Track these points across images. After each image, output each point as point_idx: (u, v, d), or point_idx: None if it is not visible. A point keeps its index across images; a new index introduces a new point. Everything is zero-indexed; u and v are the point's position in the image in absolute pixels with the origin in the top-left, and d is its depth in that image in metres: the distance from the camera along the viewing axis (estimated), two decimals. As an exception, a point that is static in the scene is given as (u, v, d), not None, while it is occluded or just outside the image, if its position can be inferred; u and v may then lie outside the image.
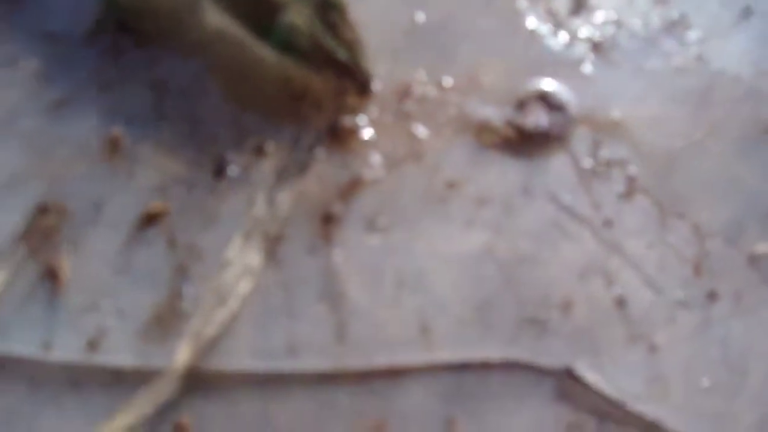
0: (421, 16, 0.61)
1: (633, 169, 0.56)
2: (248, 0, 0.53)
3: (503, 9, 0.62)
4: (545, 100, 0.58)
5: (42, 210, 0.52)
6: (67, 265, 0.50)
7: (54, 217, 0.52)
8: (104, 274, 0.50)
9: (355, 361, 0.48)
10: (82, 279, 0.50)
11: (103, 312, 0.49)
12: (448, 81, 0.58)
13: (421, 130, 0.56)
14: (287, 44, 0.53)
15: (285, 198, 0.51)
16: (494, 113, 0.57)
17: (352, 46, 0.54)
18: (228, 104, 0.56)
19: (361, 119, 0.55)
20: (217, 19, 0.58)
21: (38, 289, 0.50)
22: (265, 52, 0.56)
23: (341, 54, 0.53)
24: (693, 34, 0.62)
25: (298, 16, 0.53)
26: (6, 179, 0.54)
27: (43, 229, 0.51)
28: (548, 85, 0.58)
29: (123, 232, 0.51)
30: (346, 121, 0.55)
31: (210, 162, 0.53)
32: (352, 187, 0.53)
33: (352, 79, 0.54)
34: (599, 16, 0.62)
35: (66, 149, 0.55)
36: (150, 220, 0.51)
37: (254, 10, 0.53)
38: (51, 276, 0.50)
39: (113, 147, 0.54)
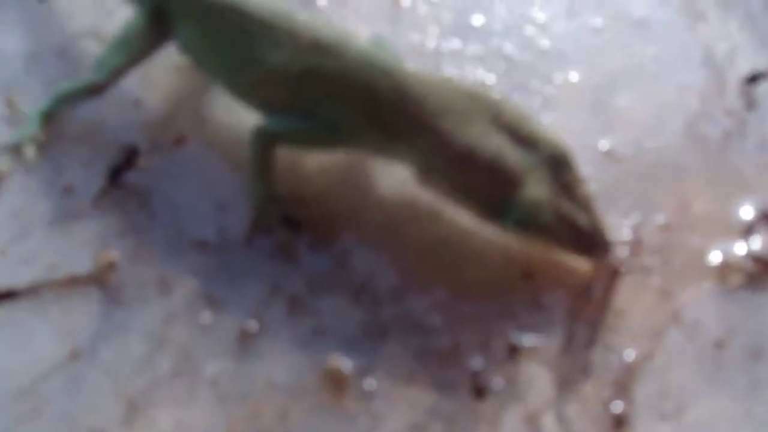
0: (605, 144, 0.55)
1: None
2: (475, 174, 0.44)
3: (683, 122, 0.57)
4: (768, 219, 0.54)
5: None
6: None
7: (297, 493, 0.41)
8: None
9: None
10: None
11: None
12: (660, 219, 0.52)
13: (666, 284, 0.50)
14: (529, 222, 0.44)
15: (573, 409, 0.43)
16: (726, 248, 0.52)
17: (588, 206, 0.46)
18: (451, 300, 0.47)
19: (607, 288, 0.48)
20: (402, 193, 0.49)
21: None
22: (470, 225, 0.48)
23: (581, 218, 0.46)
24: None
25: (537, 186, 0.44)
26: (212, 450, 0.42)
27: None
28: (764, 199, 0.53)
29: (390, 494, 0.41)
30: (596, 292, 0.47)
31: (464, 380, 0.44)
32: (627, 377, 0.45)
33: (593, 243, 0.46)
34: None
35: (276, 396, 0.44)
36: (419, 471, 0.42)
37: (482, 186, 0.44)
38: None
39: (337, 383, 0.44)
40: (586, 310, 0.46)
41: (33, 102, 0.55)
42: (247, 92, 0.48)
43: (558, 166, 0.45)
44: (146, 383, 0.44)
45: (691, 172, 0.54)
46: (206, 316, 0.46)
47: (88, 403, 0.44)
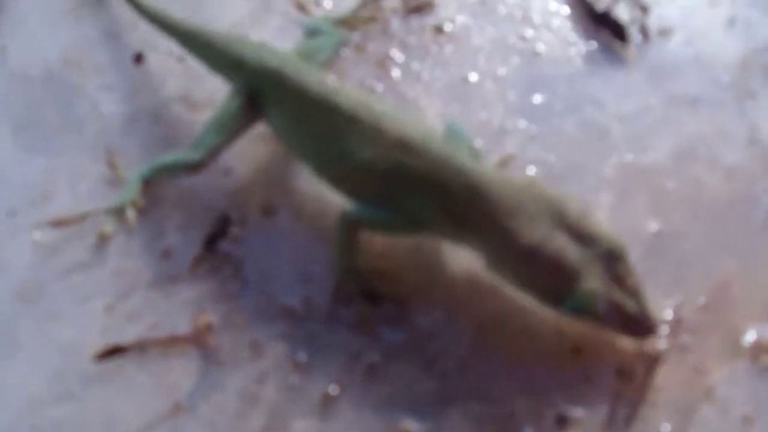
0: (654, 226, 0.60)
1: None
2: (537, 269, 0.50)
3: (728, 203, 0.61)
4: (801, 302, 0.58)
5: None
6: None
7: None
8: None
9: None
10: None
11: None
12: (700, 299, 0.57)
13: (701, 362, 0.55)
14: (584, 310, 0.50)
15: (617, 483, 0.49)
16: (761, 328, 0.56)
17: (637, 294, 0.51)
18: (513, 371, 0.53)
19: (649, 369, 0.53)
20: (470, 270, 0.55)
21: None
22: (527, 301, 0.53)
23: (631, 306, 0.51)
24: None
25: (593, 279, 0.49)
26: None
27: None
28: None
29: None
30: (638, 372, 0.53)
31: (518, 447, 0.51)
32: (662, 448, 0.51)
33: (640, 326, 0.51)
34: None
35: (354, 454, 0.50)
36: None
37: (543, 279, 0.50)
38: None
39: (410, 447, 0.51)
40: (629, 389, 0.52)
41: (131, 163, 0.61)
42: (334, 181, 0.54)
43: (613, 259, 0.51)
44: (241, 437, 0.51)
45: (733, 253, 0.59)
46: (294, 379, 0.52)
47: (189, 452, 0.51)
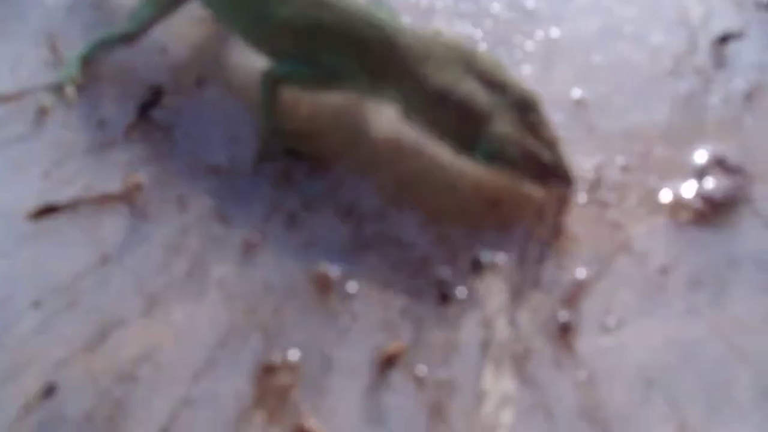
0: (577, 93, 0.61)
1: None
2: (449, 112, 0.51)
3: (650, 75, 0.62)
4: (721, 164, 0.59)
5: (269, 369, 0.49)
6: (316, 424, 0.48)
7: (285, 375, 0.49)
8: (358, 428, 0.48)
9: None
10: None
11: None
12: (621, 160, 0.58)
13: (620, 218, 0.56)
14: (496, 154, 0.51)
15: (524, 316, 0.50)
16: (680, 188, 0.57)
17: (553, 145, 0.52)
18: (428, 220, 0.54)
19: (567, 217, 0.54)
20: (392, 130, 0.56)
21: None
22: (447, 159, 0.54)
23: (546, 156, 0.52)
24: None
25: (504, 124, 0.51)
26: (218, 338, 0.50)
27: (278, 390, 0.48)
28: (719, 148, 0.59)
29: (363, 379, 0.49)
30: (556, 221, 0.54)
31: (431, 288, 0.52)
32: (575, 292, 0.52)
33: (556, 178, 0.53)
34: (743, 64, 0.63)
35: (272, 296, 0.52)
36: (389, 361, 0.49)
37: (455, 122, 0.51)
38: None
39: (324, 286, 0.52)
40: (540, 230, 0.53)
41: (72, 47, 0.64)
42: (258, 42, 0.56)
43: (525, 108, 0.52)
44: (164, 283, 0.52)
45: (655, 122, 0.60)
46: (216, 229, 0.54)
47: (114, 298, 0.52)
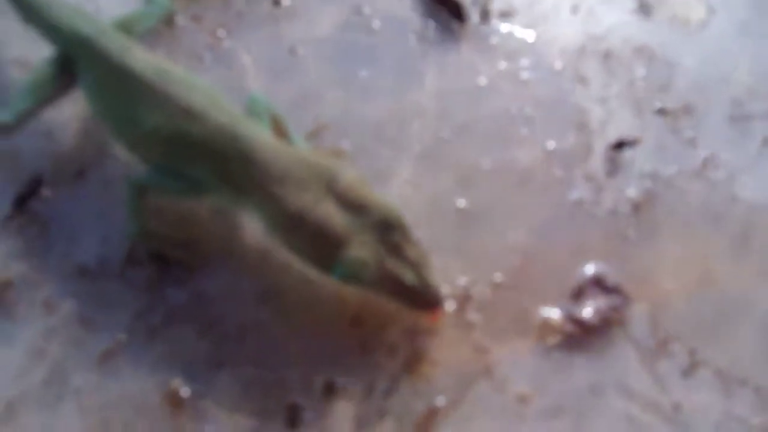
0: (462, 202, 0.60)
1: (691, 341, 0.56)
2: (305, 235, 0.51)
3: (540, 182, 0.62)
4: (600, 284, 0.59)
5: (113, 487, 0.50)
6: None
7: (127, 494, 0.50)
8: None
9: None
10: None
11: None
12: (496, 276, 0.58)
13: (485, 340, 0.55)
14: (351, 277, 0.51)
15: (369, 447, 0.50)
16: (551, 309, 0.57)
17: (418, 265, 0.52)
18: (288, 339, 0.54)
19: (430, 340, 0.54)
20: (261, 241, 0.56)
21: None
22: (314, 274, 0.54)
23: (408, 277, 0.52)
24: (721, 173, 0.62)
25: (362, 247, 0.50)
26: (66, 452, 0.51)
27: None
28: (600, 266, 0.58)
29: (205, 504, 0.49)
30: (416, 345, 0.54)
31: (282, 411, 0.52)
32: (428, 419, 0.52)
33: (420, 299, 0.52)
34: (635, 172, 0.62)
35: (125, 409, 0.52)
36: (231, 486, 0.50)
37: (311, 244, 0.51)
38: None
39: (175, 403, 0.52)
40: (391, 362, 0.53)
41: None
42: (129, 146, 0.56)
43: (388, 228, 0.52)
44: (22, 389, 0.53)
45: (538, 235, 0.59)
46: (79, 334, 0.54)
47: (-29, 402, 0.52)
